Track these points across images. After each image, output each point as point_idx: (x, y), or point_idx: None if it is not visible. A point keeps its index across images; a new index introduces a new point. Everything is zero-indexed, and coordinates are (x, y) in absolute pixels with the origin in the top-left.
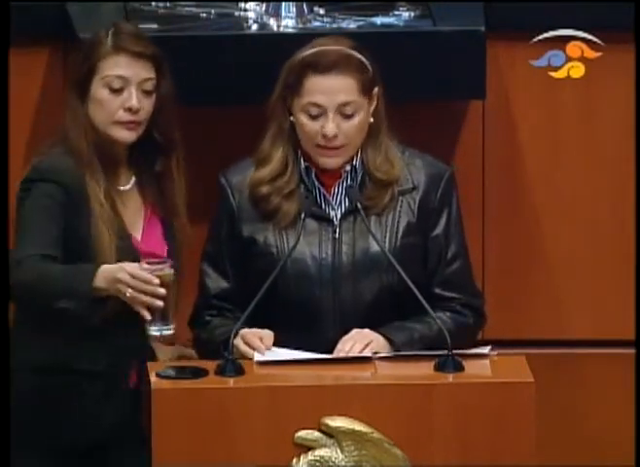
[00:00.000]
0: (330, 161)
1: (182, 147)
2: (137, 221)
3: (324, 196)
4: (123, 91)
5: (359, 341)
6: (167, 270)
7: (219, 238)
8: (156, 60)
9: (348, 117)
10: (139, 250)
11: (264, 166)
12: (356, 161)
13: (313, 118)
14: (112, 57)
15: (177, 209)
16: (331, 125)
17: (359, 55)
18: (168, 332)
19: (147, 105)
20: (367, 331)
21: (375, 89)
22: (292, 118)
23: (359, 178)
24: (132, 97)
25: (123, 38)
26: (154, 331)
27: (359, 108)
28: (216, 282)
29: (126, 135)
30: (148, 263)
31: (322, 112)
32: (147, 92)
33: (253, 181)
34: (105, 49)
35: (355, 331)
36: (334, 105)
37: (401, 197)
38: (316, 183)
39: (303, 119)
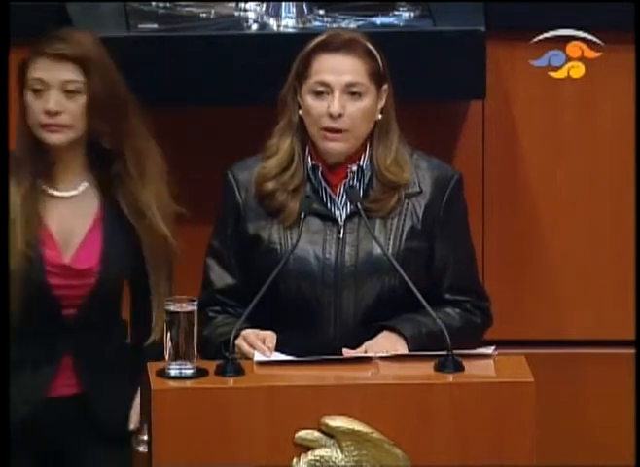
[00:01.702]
0: (333, 146)
1: (147, 147)
2: (77, 230)
3: (330, 195)
4: (43, 94)
5: (390, 349)
6: (189, 308)
7: (224, 234)
8: (82, 62)
9: (355, 97)
10: (51, 263)
11: (271, 158)
12: (363, 162)
13: (319, 96)
14: (34, 61)
15: (142, 211)
16: (336, 104)
17: (369, 44)
18: (189, 371)
19: (71, 107)
20: (394, 337)
21: (385, 86)
22: (300, 111)
23: (366, 179)
24: (49, 100)
25: (47, 41)
26: (173, 370)
27: (366, 91)
28: (220, 278)
29: (53, 138)
30: (171, 300)
31: (329, 91)
32: (70, 94)
33: (259, 176)
34: (31, 53)
35: (383, 336)
36: (340, 84)
37: (407, 201)
38: (322, 182)
39: (310, 100)
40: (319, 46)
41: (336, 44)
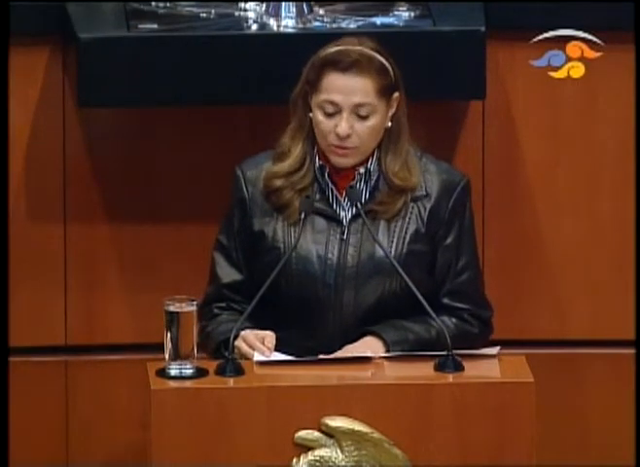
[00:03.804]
0: (341, 161)
1: None
2: None
3: (336, 196)
4: None
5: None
6: (189, 308)
7: (231, 230)
8: None
9: (363, 118)
10: None
11: (282, 161)
12: (371, 165)
13: (328, 115)
14: None
15: None
16: (344, 125)
17: (381, 58)
18: (189, 371)
19: None
20: (374, 342)
21: (396, 94)
22: (311, 114)
23: (373, 181)
24: None
25: None
26: (173, 370)
27: (375, 111)
28: (227, 273)
29: None
30: (171, 300)
31: (337, 111)
32: None
33: (269, 174)
34: None
35: (363, 341)
36: (349, 105)
37: (412, 204)
38: (329, 183)
39: (319, 116)
40: (329, 63)
41: (346, 63)
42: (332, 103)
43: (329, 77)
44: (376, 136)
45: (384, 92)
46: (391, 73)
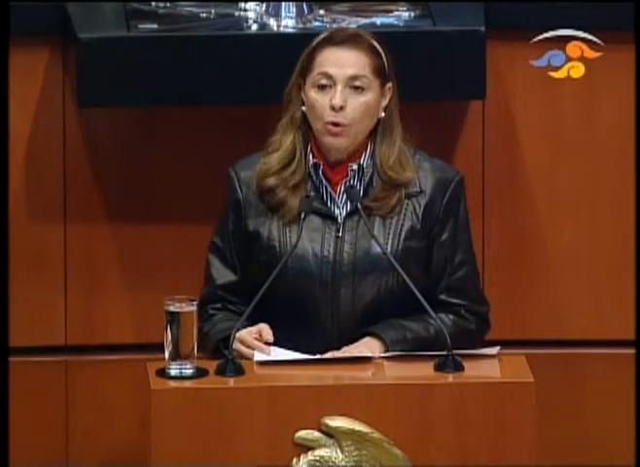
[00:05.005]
0: (334, 141)
1: None
2: None
3: (330, 194)
4: None
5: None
6: (189, 308)
7: (226, 231)
8: None
9: (358, 91)
10: None
11: (273, 154)
12: (364, 160)
13: (322, 89)
14: None
15: None
16: (338, 96)
17: (374, 41)
18: (189, 371)
19: None
20: (374, 343)
21: (389, 85)
22: (304, 107)
23: (367, 178)
24: None
25: None
26: (173, 370)
27: (369, 86)
28: (222, 274)
29: None
30: (171, 300)
31: (332, 84)
32: None
33: (261, 172)
34: None
35: (362, 342)
36: (344, 77)
37: (407, 200)
38: (323, 180)
39: (313, 94)
40: (324, 40)
41: (340, 38)
42: (326, 75)
43: (323, 53)
44: (369, 117)
45: (378, 73)
46: (384, 58)
